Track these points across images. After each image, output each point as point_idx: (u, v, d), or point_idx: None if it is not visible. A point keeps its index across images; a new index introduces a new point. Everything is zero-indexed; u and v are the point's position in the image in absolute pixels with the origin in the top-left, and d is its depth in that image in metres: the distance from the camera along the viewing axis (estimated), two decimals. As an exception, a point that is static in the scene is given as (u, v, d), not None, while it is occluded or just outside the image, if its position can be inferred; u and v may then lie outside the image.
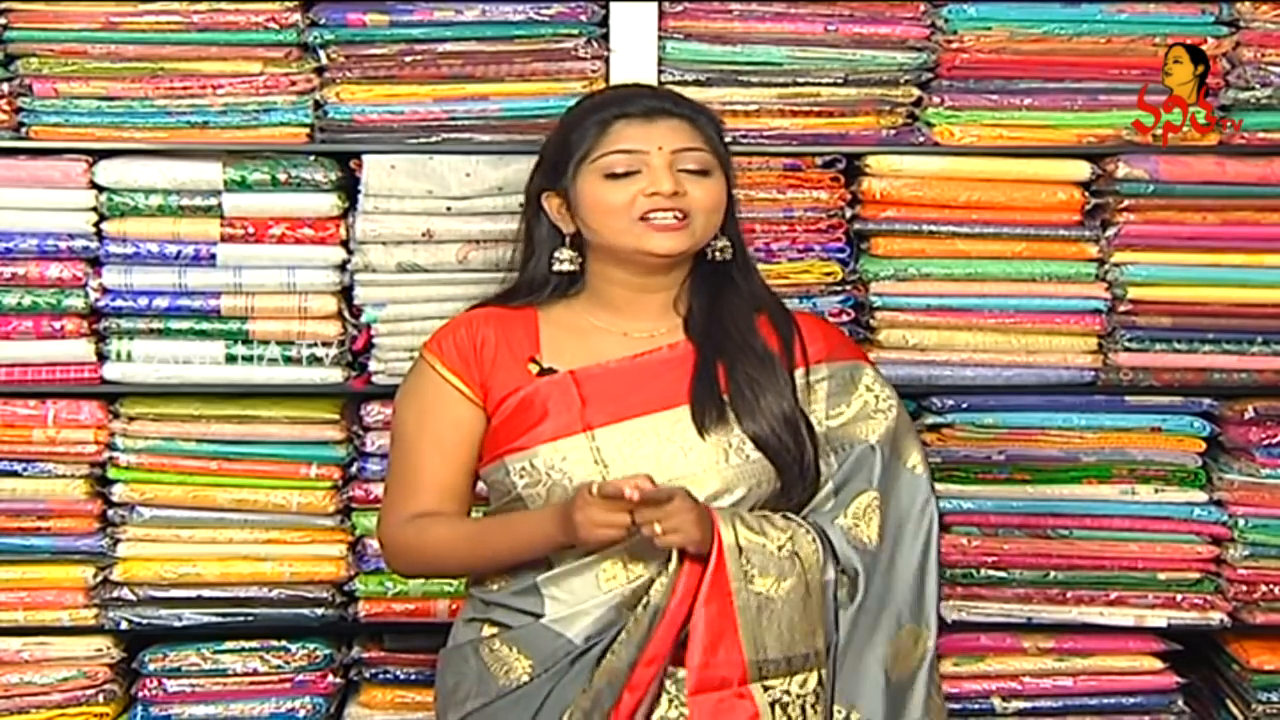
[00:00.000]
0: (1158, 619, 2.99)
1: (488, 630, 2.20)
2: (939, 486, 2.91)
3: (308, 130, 2.87)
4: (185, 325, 2.88)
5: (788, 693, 2.07)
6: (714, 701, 2.05)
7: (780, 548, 2.09)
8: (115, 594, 2.93)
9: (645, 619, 2.07)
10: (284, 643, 2.96)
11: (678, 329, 2.24)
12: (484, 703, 2.15)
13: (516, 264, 2.32)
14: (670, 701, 2.11)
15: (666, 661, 2.08)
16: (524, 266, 2.30)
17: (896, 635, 2.16)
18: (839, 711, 2.12)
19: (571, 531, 2.05)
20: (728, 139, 2.82)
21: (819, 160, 2.92)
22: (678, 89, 2.84)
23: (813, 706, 2.08)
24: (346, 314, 2.91)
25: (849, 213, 2.93)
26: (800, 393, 2.22)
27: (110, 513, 2.93)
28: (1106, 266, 2.93)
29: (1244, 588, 2.98)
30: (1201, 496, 2.98)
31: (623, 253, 2.19)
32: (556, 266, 2.24)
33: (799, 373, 2.23)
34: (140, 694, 2.95)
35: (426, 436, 2.22)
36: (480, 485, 2.28)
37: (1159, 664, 3.02)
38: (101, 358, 2.89)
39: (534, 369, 2.21)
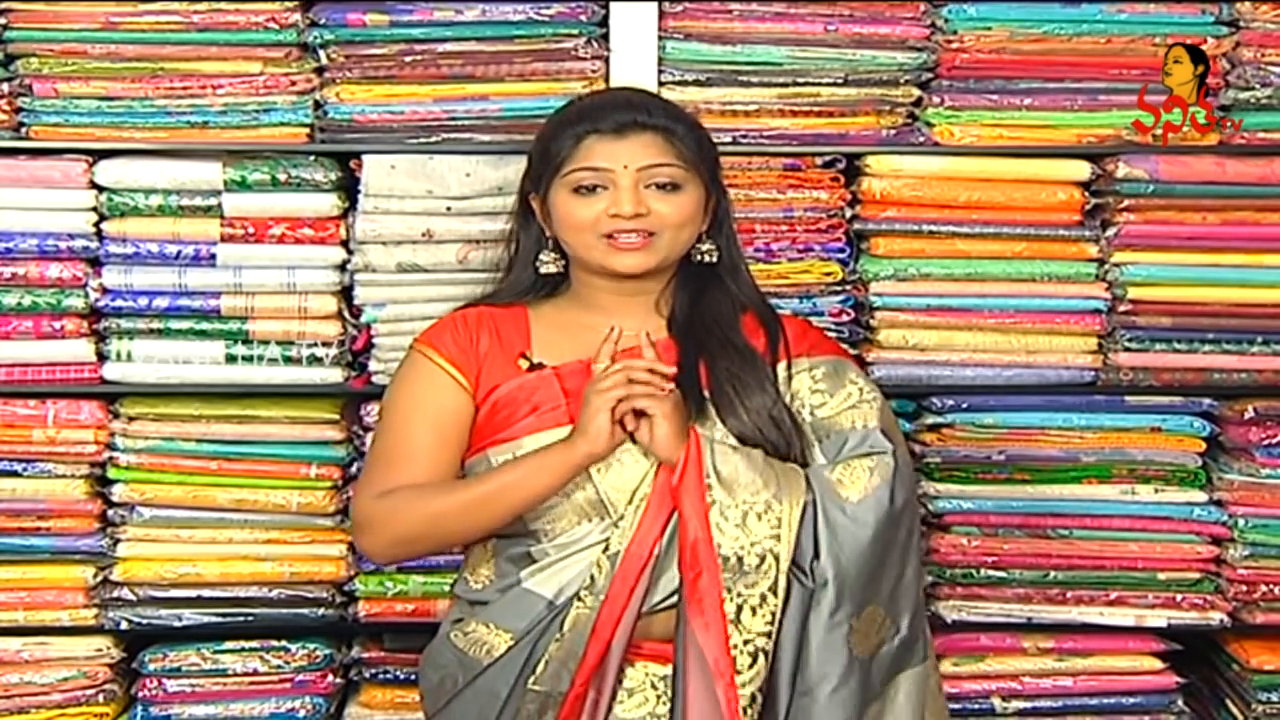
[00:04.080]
0: (1158, 619, 2.99)
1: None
2: (939, 486, 2.94)
3: (308, 130, 2.87)
4: (185, 325, 2.88)
5: (740, 595, 2.08)
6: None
7: (751, 458, 2.12)
8: (115, 594, 2.93)
9: (607, 564, 2.11)
10: (284, 643, 2.96)
11: (662, 328, 2.26)
12: (472, 678, 2.17)
13: (507, 263, 2.34)
14: (659, 698, 2.12)
15: (633, 608, 2.09)
16: (511, 266, 2.33)
17: (865, 610, 2.14)
18: (801, 681, 2.11)
19: (578, 431, 2.10)
20: (728, 139, 2.85)
21: (819, 160, 2.92)
22: (677, 89, 2.86)
23: (753, 609, 2.07)
24: (346, 314, 2.91)
25: (849, 213, 2.93)
26: (783, 385, 2.23)
27: (110, 513, 2.93)
28: (1106, 266, 2.93)
29: (1244, 588, 2.98)
30: (1201, 496, 2.98)
31: (592, 268, 2.22)
32: (542, 269, 2.28)
33: (781, 366, 2.25)
34: (140, 694, 2.95)
35: (418, 419, 2.23)
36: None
37: (1159, 664, 3.02)
38: (101, 358, 2.90)
39: (523, 364, 2.23)
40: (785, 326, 2.30)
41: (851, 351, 2.71)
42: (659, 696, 2.13)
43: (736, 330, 2.26)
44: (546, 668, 2.11)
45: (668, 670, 2.13)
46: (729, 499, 2.09)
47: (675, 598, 2.11)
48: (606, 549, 2.12)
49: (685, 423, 2.12)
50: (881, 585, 2.15)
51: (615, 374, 2.10)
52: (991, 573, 2.97)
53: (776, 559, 2.09)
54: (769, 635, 2.08)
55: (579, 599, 2.11)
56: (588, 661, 2.09)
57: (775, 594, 2.08)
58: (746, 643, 2.07)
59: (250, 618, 2.95)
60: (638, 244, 2.18)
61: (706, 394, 2.20)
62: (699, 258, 2.27)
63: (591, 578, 2.11)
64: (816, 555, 2.12)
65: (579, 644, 2.10)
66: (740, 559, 2.07)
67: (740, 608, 2.07)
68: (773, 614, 2.08)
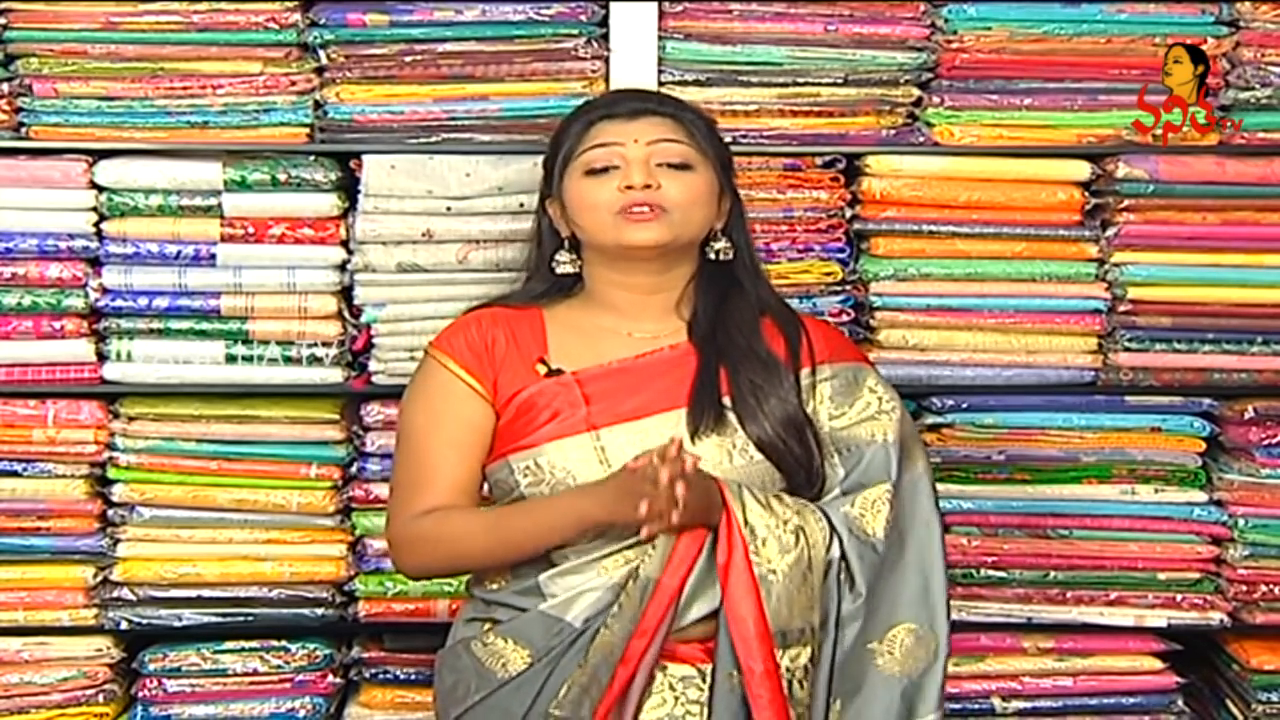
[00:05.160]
0: (1158, 619, 2.98)
1: (485, 626, 2.21)
2: (939, 486, 2.93)
3: (308, 130, 2.87)
4: (185, 325, 2.88)
5: (786, 670, 2.07)
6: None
7: (786, 522, 2.10)
8: (115, 594, 2.93)
9: (636, 592, 2.09)
10: (284, 643, 2.96)
11: (681, 331, 2.26)
12: (485, 695, 2.16)
13: (528, 266, 2.35)
14: (677, 699, 2.12)
15: (661, 636, 2.08)
16: (534, 271, 2.33)
17: (892, 631, 2.16)
18: (834, 704, 2.13)
19: (610, 502, 2.04)
20: (728, 139, 2.85)
21: (819, 160, 2.92)
22: (677, 89, 2.86)
23: (799, 682, 2.08)
24: (346, 314, 2.91)
25: (849, 213, 2.93)
26: (805, 392, 2.23)
27: (110, 513, 2.93)
28: (1106, 266, 2.93)
29: (1244, 588, 2.98)
30: (1201, 496, 2.98)
31: (607, 249, 2.22)
32: (557, 269, 2.27)
33: (804, 373, 2.25)
34: (140, 694, 2.95)
35: (438, 434, 2.22)
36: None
37: (1159, 664, 3.02)
38: (101, 358, 2.89)
39: (541, 370, 2.22)
40: (809, 330, 2.30)
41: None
42: (677, 698, 2.13)
43: (758, 337, 2.25)
44: (568, 693, 2.10)
45: (687, 671, 2.13)
46: (772, 574, 2.07)
47: (704, 621, 2.11)
48: (636, 576, 2.10)
49: (709, 503, 2.08)
50: (910, 601, 2.18)
51: (665, 490, 1.97)
52: (991, 573, 2.97)
53: (813, 630, 2.10)
54: (809, 706, 2.10)
55: (605, 626, 2.10)
56: (613, 690, 2.08)
57: (814, 664, 2.10)
58: (799, 717, 2.08)
59: (250, 618, 2.95)
60: (648, 215, 2.17)
61: (728, 402, 2.20)
62: (715, 255, 2.26)
63: (620, 605, 2.10)
64: (858, 592, 2.14)
65: (604, 671, 2.09)
66: (785, 633, 2.07)
67: (790, 683, 2.07)
68: (812, 684, 2.09)
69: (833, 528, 2.14)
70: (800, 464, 2.19)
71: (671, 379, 2.21)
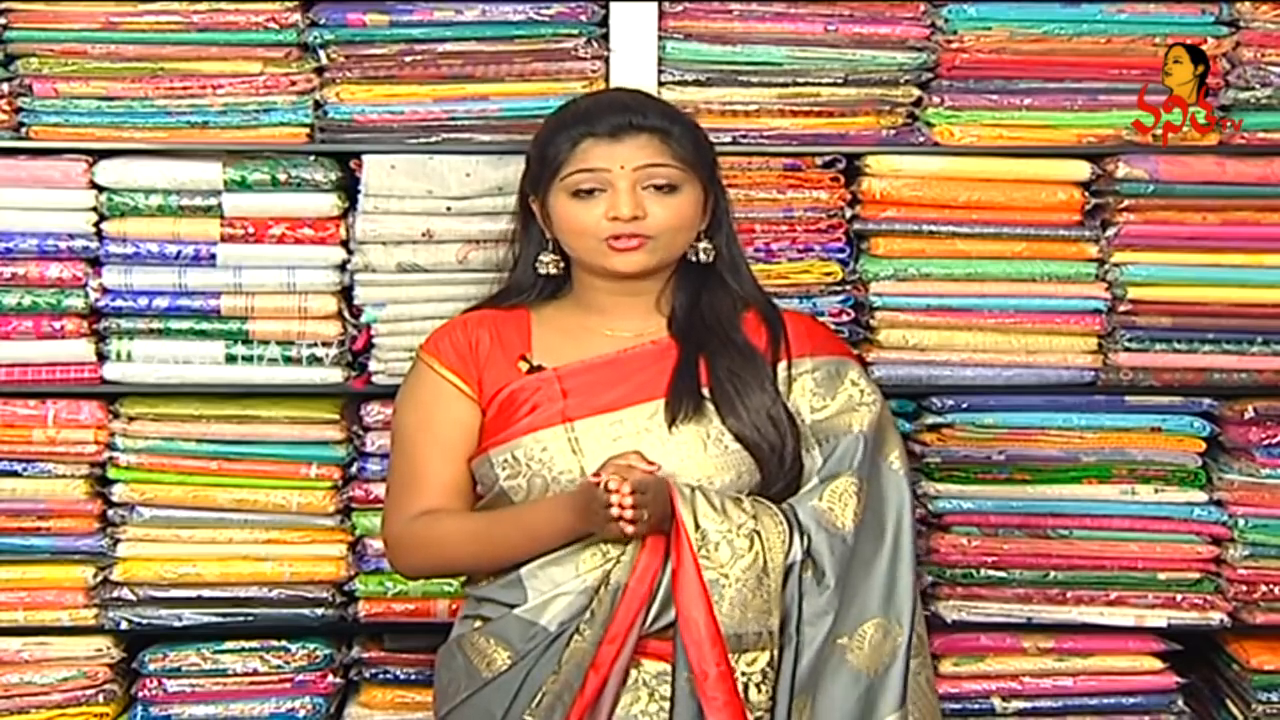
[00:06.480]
0: (1158, 619, 2.98)
1: (475, 625, 2.23)
2: (939, 486, 2.94)
3: (308, 130, 2.87)
4: (185, 325, 2.88)
5: (744, 674, 2.08)
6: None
7: (740, 525, 2.10)
8: (115, 594, 2.93)
9: (608, 598, 2.11)
10: (284, 643, 2.96)
11: (662, 327, 2.28)
12: (471, 693, 2.19)
13: (510, 264, 2.36)
14: (650, 695, 2.13)
15: (631, 641, 2.10)
16: (513, 268, 2.35)
17: (862, 626, 2.16)
18: (800, 700, 2.13)
19: (587, 519, 2.08)
20: (727, 139, 2.85)
21: (819, 160, 2.92)
22: (677, 89, 2.86)
23: (757, 685, 2.08)
24: (346, 314, 2.91)
25: (849, 213, 2.93)
26: (782, 386, 2.24)
27: (110, 513, 2.93)
28: (1106, 266, 2.93)
29: (1244, 588, 2.98)
30: (1201, 496, 2.98)
31: (592, 268, 2.23)
32: (540, 270, 2.29)
33: (781, 366, 2.26)
34: (140, 694, 2.95)
35: (428, 436, 2.25)
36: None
37: (1159, 664, 3.02)
38: (101, 358, 2.89)
39: (523, 367, 2.24)
40: (788, 324, 2.31)
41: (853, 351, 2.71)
42: (650, 694, 2.14)
43: (737, 328, 2.27)
44: (542, 700, 2.12)
45: (661, 668, 2.14)
46: (724, 578, 2.08)
47: (673, 625, 2.11)
48: (607, 582, 2.12)
49: (666, 510, 2.09)
50: (880, 596, 2.17)
51: (625, 500, 2.03)
52: (991, 573, 2.97)
53: (771, 634, 2.10)
54: (770, 710, 2.10)
55: (578, 632, 2.12)
56: (585, 695, 2.10)
57: (772, 667, 2.10)
58: (758, 718, 2.09)
59: (250, 618, 2.95)
60: (635, 245, 2.19)
61: (706, 392, 2.21)
62: (696, 257, 2.27)
63: (591, 611, 2.12)
64: (826, 585, 2.14)
65: (576, 677, 2.10)
66: (740, 637, 2.08)
67: (746, 686, 2.08)
68: (772, 687, 2.10)
69: (798, 527, 2.15)
70: (775, 454, 2.20)
71: (652, 372, 2.23)
